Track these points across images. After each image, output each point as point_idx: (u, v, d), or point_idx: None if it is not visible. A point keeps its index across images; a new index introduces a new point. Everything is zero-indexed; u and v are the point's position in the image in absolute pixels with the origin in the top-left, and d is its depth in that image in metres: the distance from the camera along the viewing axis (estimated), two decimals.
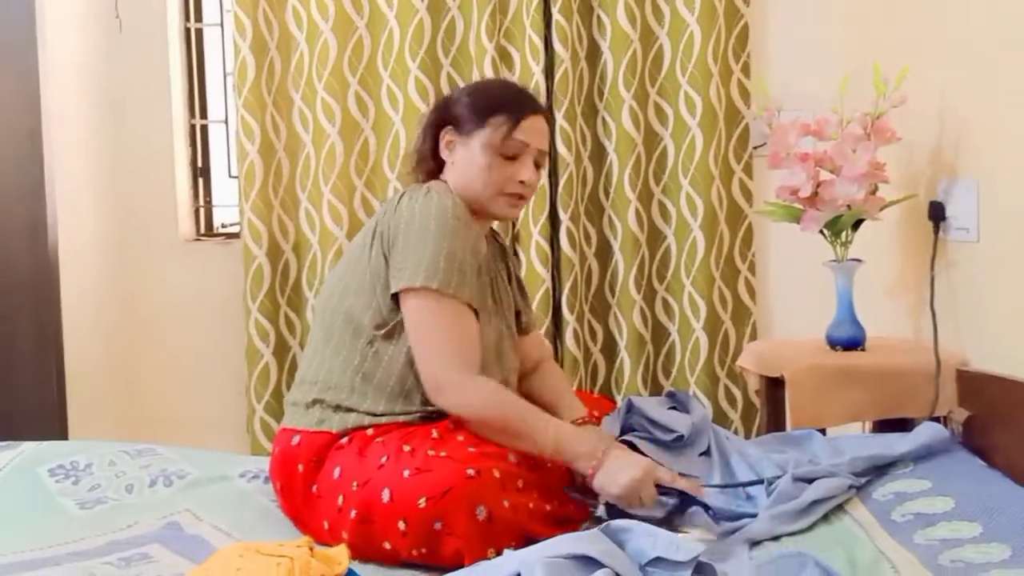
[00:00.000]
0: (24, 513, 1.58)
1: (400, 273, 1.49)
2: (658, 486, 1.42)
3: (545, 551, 1.00)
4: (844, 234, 1.94)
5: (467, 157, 1.59)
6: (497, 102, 1.60)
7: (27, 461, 1.74)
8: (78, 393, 2.44)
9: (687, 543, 1.04)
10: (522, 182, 1.59)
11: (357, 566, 1.24)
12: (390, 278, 1.50)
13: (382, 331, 1.52)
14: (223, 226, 2.80)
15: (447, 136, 1.62)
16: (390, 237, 1.52)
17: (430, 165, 1.65)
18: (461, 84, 2.47)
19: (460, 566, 1.24)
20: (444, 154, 1.62)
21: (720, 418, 2.45)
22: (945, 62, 1.90)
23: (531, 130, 1.60)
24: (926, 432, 1.57)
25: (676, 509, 1.46)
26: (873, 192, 1.91)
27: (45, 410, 2.28)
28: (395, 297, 1.51)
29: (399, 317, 1.52)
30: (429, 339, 1.48)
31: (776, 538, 1.36)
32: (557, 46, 2.40)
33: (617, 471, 1.40)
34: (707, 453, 1.64)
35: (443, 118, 1.63)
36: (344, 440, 1.49)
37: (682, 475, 1.47)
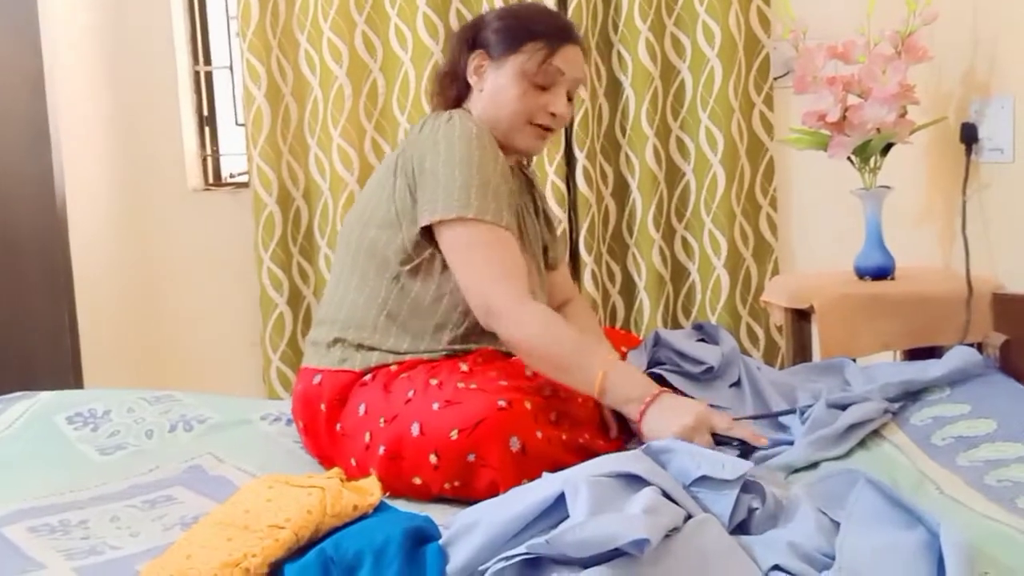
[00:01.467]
0: (44, 460, 1.56)
1: (431, 206, 1.42)
2: (714, 435, 1.33)
3: (588, 470, 0.97)
4: (873, 160, 1.89)
5: (498, 84, 1.51)
6: (534, 27, 1.52)
7: (44, 409, 1.72)
8: (91, 345, 2.42)
9: (734, 461, 1.01)
10: (553, 114, 1.53)
11: (387, 500, 1.20)
12: (418, 211, 1.44)
13: (408, 266, 1.47)
14: (231, 175, 2.75)
15: (477, 60, 1.53)
16: (414, 168, 1.45)
17: (457, 89, 1.56)
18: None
19: (494, 496, 1.20)
20: (472, 80, 1.54)
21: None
22: None
23: (568, 59, 1.52)
24: (959, 356, 1.53)
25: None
26: (903, 115, 1.86)
27: (59, 361, 2.26)
28: (424, 231, 1.45)
29: (427, 252, 1.46)
30: (474, 268, 1.41)
31: (814, 465, 1.33)
32: None
33: (668, 417, 1.32)
34: (737, 384, 1.60)
35: (473, 40, 1.55)
36: (367, 377, 1.45)
37: (736, 419, 1.40)
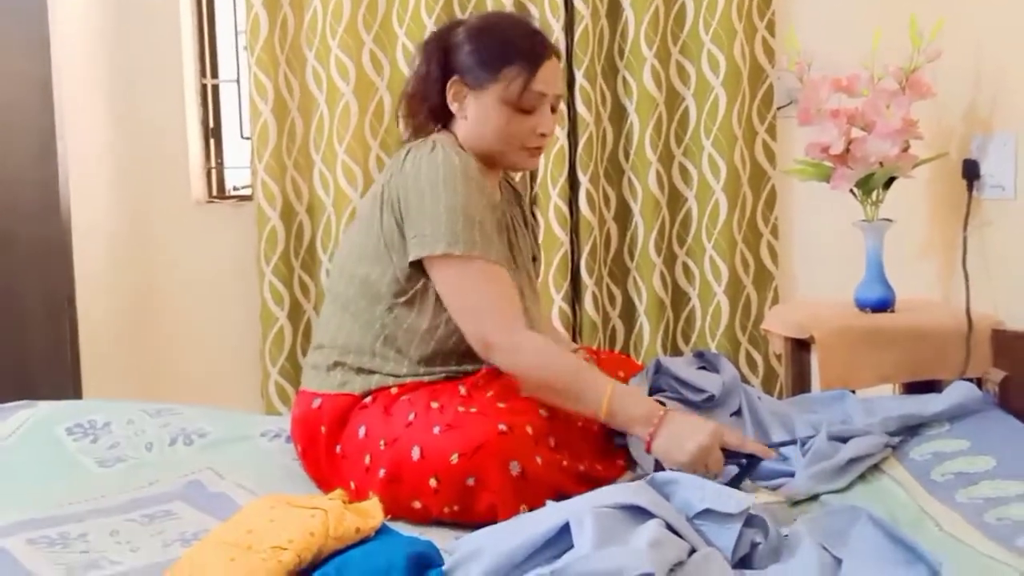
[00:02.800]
0: (43, 471, 1.55)
1: (420, 241, 1.41)
2: (724, 451, 1.34)
3: (593, 501, 0.97)
4: (875, 193, 1.90)
5: (481, 112, 1.49)
6: (509, 51, 1.48)
7: (44, 420, 1.71)
8: (92, 356, 2.41)
9: (737, 495, 1.01)
10: (543, 134, 1.51)
11: (388, 523, 1.20)
12: (408, 246, 1.43)
13: (402, 298, 1.47)
14: (235, 188, 2.75)
15: (455, 87, 1.50)
16: (400, 201, 1.44)
17: (429, 111, 1.53)
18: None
19: (493, 522, 1.21)
20: (453, 107, 1.51)
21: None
22: (979, 14, 1.85)
23: (548, 78, 1.49)
24: (959, 391, 1.54)
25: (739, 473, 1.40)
26: (906, 149, 1.87)
27: (59, 373, 2.26)
28: (416, 262, 1.44)
29: (419, 284, 1.46)
30: (467, 303, 1.41)
31: (815, 497, 1.34)
32: (578, 2, 2.34)
33: (682, 436, 1.31)
34: (738, 413, 1.61)
35: (445, 62, 1.50)
36: (367, 400, 1.45)
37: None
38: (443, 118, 1.54)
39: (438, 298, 1.46)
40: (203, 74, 2.67)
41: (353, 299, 1.50)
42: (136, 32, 2.57)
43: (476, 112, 1.49)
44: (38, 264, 2.26)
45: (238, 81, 2.69)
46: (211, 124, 2.70)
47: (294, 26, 2.47)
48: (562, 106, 1.55)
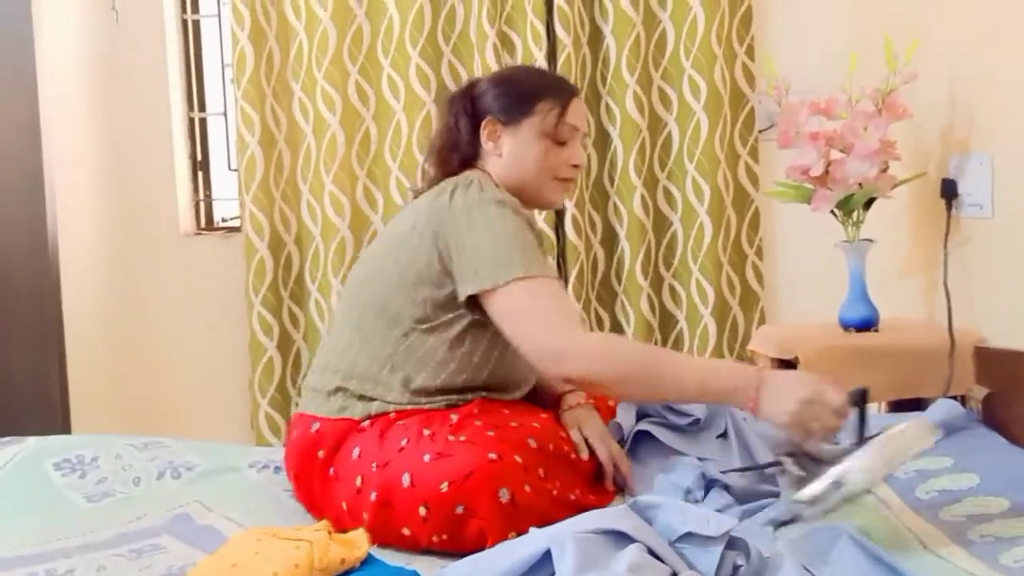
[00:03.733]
0: (31, 507, 1.55)
1: (477, 275, 1.42)
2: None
3: (574, 527, 0.98)
4: (855, 214, 1.93)
5: (518, 146, 1.54)
6: (539, 87, 1.56)
7: (32, 455, 1.71)
8: (80, 390, 2.41)
9: (718, 518, 1.02)
10: (575, 165, 1.57)
11: (375, 551, 1.21)
12: (461, 279, 1.44)
13: (423, 325, 1.47)
14: (223, 220, 2.77)
15: (489, 127, 1.55)
16: (447, 237, 1.45)
17: (461, 158, 1.57)
18: (462, 71, 2.45)
19: (482, 549, 1.21)
20: (488, 146, 1.56)
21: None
22: (954, 36, 1.88)
23: (577, 113, 1.58)
24: (942, 409, 1.56)
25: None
26: (884, 170, 1.90)
27: (47, 407, 2.25)
28: (449, 296, 1.46)
29: (447, 316, 1.47)
30: (529, 320, 1.41)
31: (799, 518, 1.34)
32: (559, 31, 2.38)
33: (780, 397, 1.26)
34: (724, 436, 1.62)
35: (473, 108, 1.57)
36: (366, 424, 1.46)
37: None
38: (473, 162, 1.59)
39: (460, 333, 1.47)
40: (190, 107, 2.70)
41: (369, 323, 1.50)
42: (123, 67, 2.59)
43: (513, 147, 1.55)
44: (26, 299, 2.27)
45: (225, 114, 2.71)
46: (199, 157, 2.72)
47: (280, 59, 2.50)
48: (587, 122, 1.62)
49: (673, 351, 1.46)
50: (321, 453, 1.45)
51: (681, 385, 1.35)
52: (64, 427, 2.29)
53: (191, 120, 2.70)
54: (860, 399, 1.25)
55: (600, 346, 1.43)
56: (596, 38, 2.45)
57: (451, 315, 1.47)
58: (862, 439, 1.22)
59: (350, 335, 1.52)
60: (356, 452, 1.41)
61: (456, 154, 1.58)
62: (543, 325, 1.41)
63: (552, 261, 2.41)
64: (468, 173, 1.54)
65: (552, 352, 1.39)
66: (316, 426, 1.48)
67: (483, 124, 1.55)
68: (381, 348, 1.49)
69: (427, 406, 1.47)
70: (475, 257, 1.43)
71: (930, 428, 1.19)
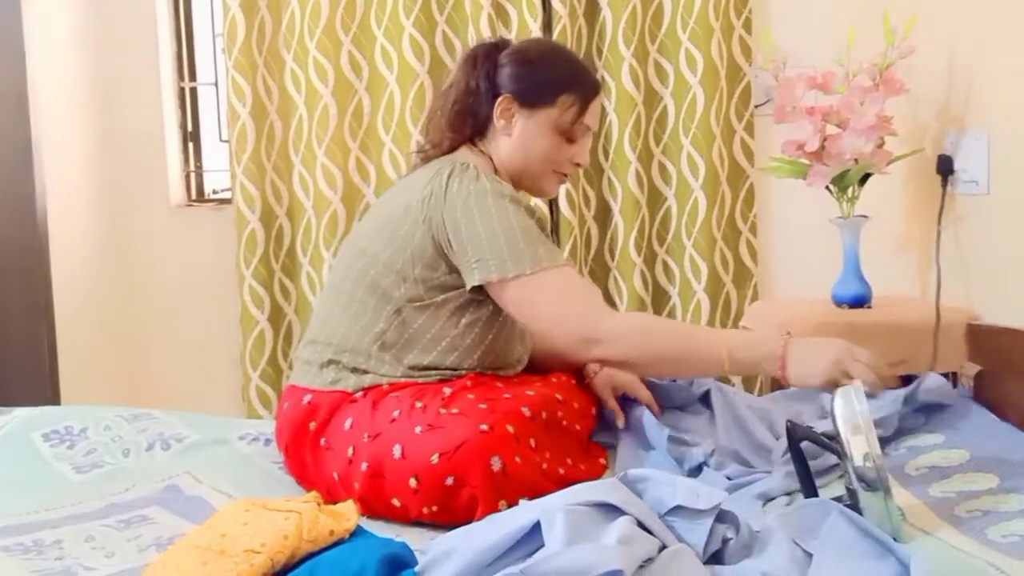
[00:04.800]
0: (19, 477, 1.55)
1: (483, 265, 1.42)
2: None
3: (564, 499, 0.97)
4: (851, 190, 1.92)
5: (529, 133, 1.52)
6: (566, 79, 1.54)
7: (20, 426, 1.71)
8: (69, 362, 2.40)
9: (708, 491, 1.02)
10: (577, 164, 1.57)
11: (365, 523, 1.20)
12: (467, 269, 1.43)
13: (416, 303, 1.47)
14: (214, 192, 2.75)
15: (504, 103, 1.52)
16: (446, 225, 1.44)
17: (473, 126, 1.55)
18: (457, 42, 2.42)
19: (471, 520, 1.21)
20: (499, 123, 1.53)
21: (721, 381, 2.43)
22: (952, 11, 1.86)
23: (595, 113, 1.57)
24: (931, 383, 1.55)
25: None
26: (880, 146, 1.89)
27: (37, 379, 2.25)
28: (453, 282, 1.46)
29: (439, 297, 1.46)
30: (550, 314, 1.42)
31: (789, 494, 1.34)
32: (555, 2, 2.35)
33: (811, 360, 1.31)
34: (708, 405, 1.61)
35: (493, 78, 1.53)
36: (358, 395, 1.45)
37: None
38: (481, 133, 1.56)
39: (453, 313, 1.47)
40: (181, 77, 2.67)
41: (360, 299, 1.49)
42: (113, 36, 2.56)
43: (523, 132, 1.53)
44: (15, 271, 2.26)
45: (216, 84, 2.68)
46: (190, 127, 2.69)
47: (272, 28, 2.47)
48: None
49: (695, 325, 1.46)
50: (313, 425, 1.45)
51: (713, 361, 1.37)
52: (54, 399, 2.28)
53: (182, 90, 2.67)
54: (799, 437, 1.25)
55: (631, 328, 1.44)
56: (592, 10, 2.42)
57: (444, 296, 1.47)
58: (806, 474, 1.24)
59: (342, 309, 1.51)
60: (348, 423, 1.41)
61: (471, 120, 1.55)
62: (570, 313, 1.42)
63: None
64: (464, 156, 1.53)
65: (584, 339, 1.41)
66: (308, 398, 1.48)
67: (499, 99, 1.53)
68: (373, 323, 1.48)
69: (420, 379, 1.46)
70: (478, 248, 1.43)
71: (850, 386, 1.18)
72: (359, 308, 1.49)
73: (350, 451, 1.38)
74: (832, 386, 1.25)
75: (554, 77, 1.54)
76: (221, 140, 2.68)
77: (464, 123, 1.56)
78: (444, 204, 1.45)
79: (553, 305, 1.43)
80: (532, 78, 1.53)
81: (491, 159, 1.55)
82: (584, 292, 1.46)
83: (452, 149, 1.57)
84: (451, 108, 1.57)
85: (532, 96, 1.52)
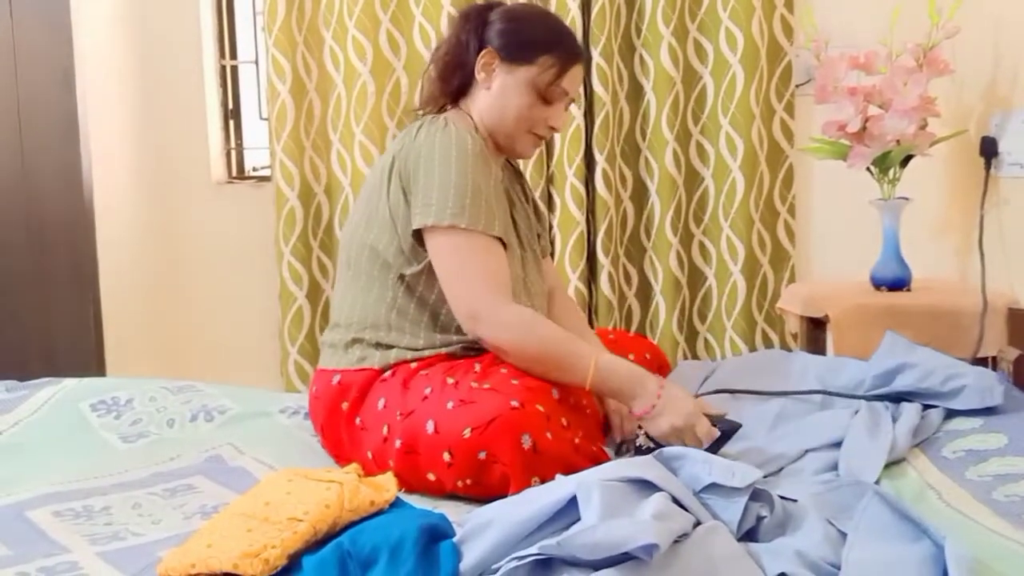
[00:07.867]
0: (67, 445, 1.59)
1: (425, 210, 1.45)
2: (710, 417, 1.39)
3: (600, 474, 0.99)
4: (892, 171, 1.90)
5: (506, 89, 1.54)
6: (549, 40, 1.55)
7: (69, 396, 1.76)
8: (115, 335, 2.45)
9: (743, 469, 1.02)
10: (552, 127, 1.58)
11: (403, 496, 1.23)
12: (413, 214, 1.46)
13: (408, 269, 1.49)
14: (254, 169, 2.78)
15: (486, 57, 1.55)
16: (409, 171, 1.47)
17: (460, 79, 1.58)
18: None
19: (505, 495, 1.23)
20: (480, 76, 1.56)
21: None
22: None
23: (574, 78, 1.57)
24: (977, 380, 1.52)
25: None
26: (923, 127, 1.86)
27: (82, 351, 2.30)
28: (417, 233, 1.48)
29: (425, 258, 1.48)
30: (460, 274, 1.45)
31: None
32: None
33: (663, 411, 1.39)
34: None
35: (481, 34, 1.56)
36: (388, 374, 1.48)
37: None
38: (466, 90, 1.59)
39: None
40: (222, 55, 2.69)
41: (365, 270, 1.52)
42: (156, 15, 2.59)
43: (502, 87, 1.55)
44: (62, 245, 2.31)
45: (256, 62, 2.71)
46: (230, 105, 2.72)
47: (311, 7, 2.48)
48: (580, 89, 1.61)
49: (579, 340, 1.47)
50: (345, 405, 1.48)
51: (580, 375, 1.41)
52: (99, 370, 2.33)
53: (223, 68, 2.70)
54: (728, 433, 1.40)
55: (514, 321, 1.44)
56: None
57: (427, 255, 1.48)
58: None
59: (354, 283, 1.54)
60: (381, 403, 1.44)
61: (458, 73, 1.58)
62: (469, 283, 1.44)
63: (582, 215, 2.39)
64: (445, 114, 1.55)
65: (471, 311, 1.44)
66: (337, 378, 1.50)
67: (482, 52, 1.55)
68: (383, 292, 1.51)
69: (444, 349, 1.48)
70: (427, 192, 1.45)
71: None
72: (367, 280, 1.52)
73: (385, 430, 1.40)
74: (670, 438, 1.38)
75: (538, 37, 1.55)
76: (261, 118, 2.71)
77: (452, 75, 1.58)
78: (411, 150, 1.48)
79: (462, 267, 1.44)
80: (516, 35, 1.55)
81: (472, 118, 1.57)
82: (495, 271, 1.46)
83: (441, 111, 1.59)
84: (440, 60, 1.60)
85: (514, 52, 1.54)
